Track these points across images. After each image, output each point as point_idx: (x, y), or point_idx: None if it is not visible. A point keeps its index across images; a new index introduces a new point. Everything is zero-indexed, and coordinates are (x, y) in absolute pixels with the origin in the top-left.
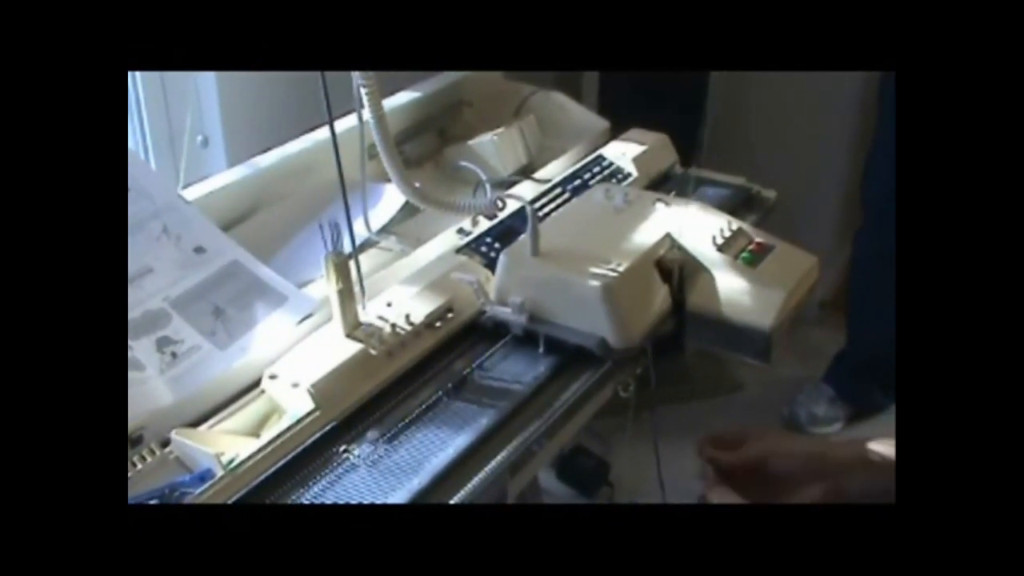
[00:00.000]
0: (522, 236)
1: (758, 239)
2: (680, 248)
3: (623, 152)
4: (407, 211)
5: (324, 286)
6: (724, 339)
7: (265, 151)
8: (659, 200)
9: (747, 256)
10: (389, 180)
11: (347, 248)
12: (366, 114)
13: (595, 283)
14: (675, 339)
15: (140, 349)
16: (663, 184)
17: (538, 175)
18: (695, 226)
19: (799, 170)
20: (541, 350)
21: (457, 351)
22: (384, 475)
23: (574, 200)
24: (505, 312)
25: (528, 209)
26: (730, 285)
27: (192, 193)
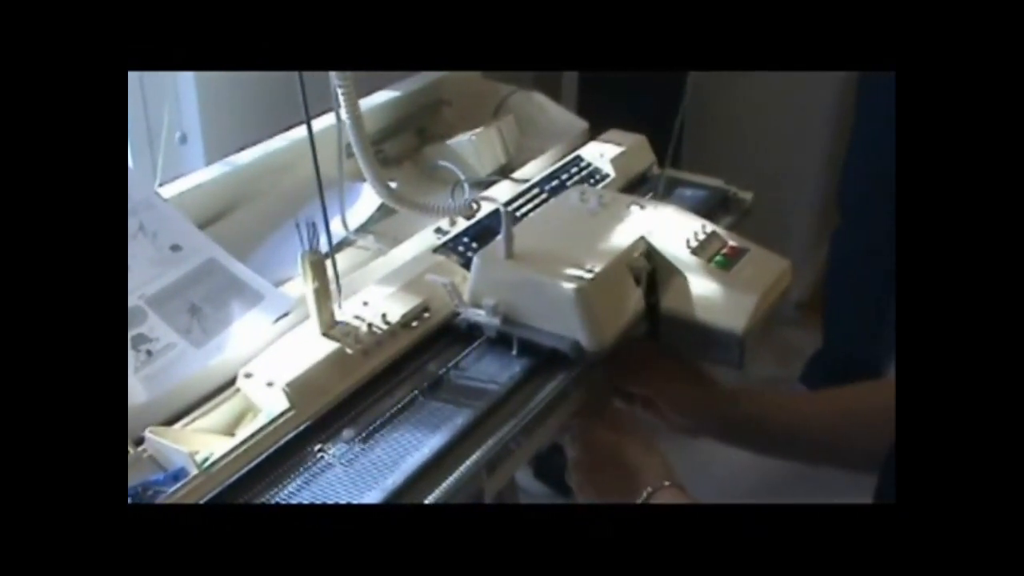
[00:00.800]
0: (496, 238)
1: (732, 243)
2: (654, 251)
3: (601, 153)
4: (384, 210)
5: (301, 284)
6: (697, 343)
7: (243, 149)
8: (634, 203)
9: (720, 260)
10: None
11: (324, 247)
12: (343, 113)
13: (568, 286)
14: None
15: None
16: (640, 185)
17: (516, 175)
18: (669, 229)
19: (777, 170)
20: (514, 352)
21: (432, 351)
22: (359, 474)
23: (549, 202)
24: (479, 314)
25: (502, 211)
26: (703, 288)
27: (169, 191)
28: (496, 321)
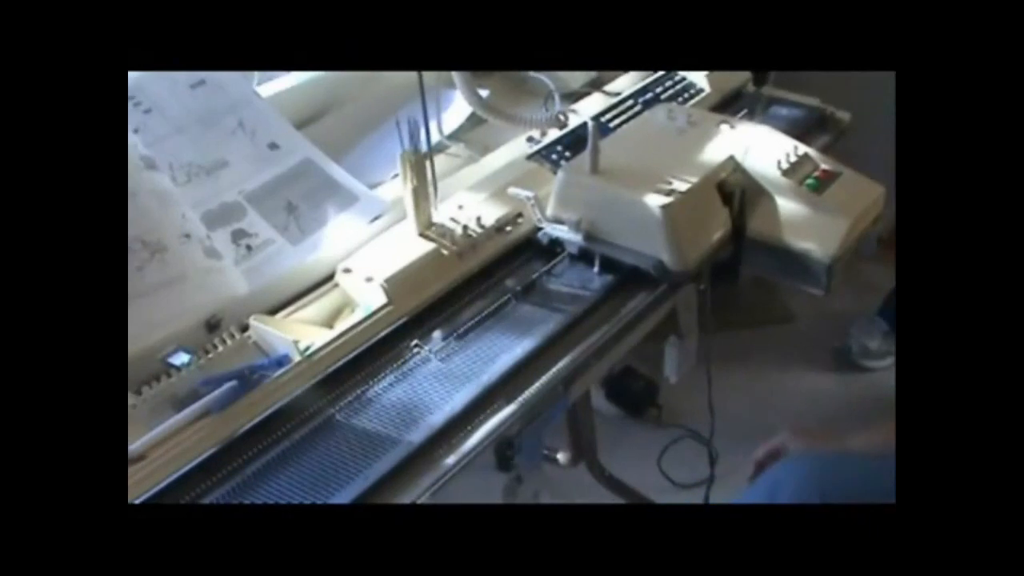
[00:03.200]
0: (582, 153)
1: (824, 165)
2: (743, 172)
3: None
4: (475, 120)
5: (393, 188)
6: (783, 267)
7: None
8: (723, 122)
9: (812, 182)
10: None
11: (423, 147)
12: None
13: (654, 203)
14: (731, 265)
15: (217, 239)
16: (735, 101)
17: (609, 88)
18: (760, 149)
19: (874, 94)
20: (596, 269)
21: (514, 265)
22: (453, 371)
23: (635, 120)
24: (561, 229)
25: (589, 126)
26: (793, 211)
27: (265, 91)
28: (579, 237)
